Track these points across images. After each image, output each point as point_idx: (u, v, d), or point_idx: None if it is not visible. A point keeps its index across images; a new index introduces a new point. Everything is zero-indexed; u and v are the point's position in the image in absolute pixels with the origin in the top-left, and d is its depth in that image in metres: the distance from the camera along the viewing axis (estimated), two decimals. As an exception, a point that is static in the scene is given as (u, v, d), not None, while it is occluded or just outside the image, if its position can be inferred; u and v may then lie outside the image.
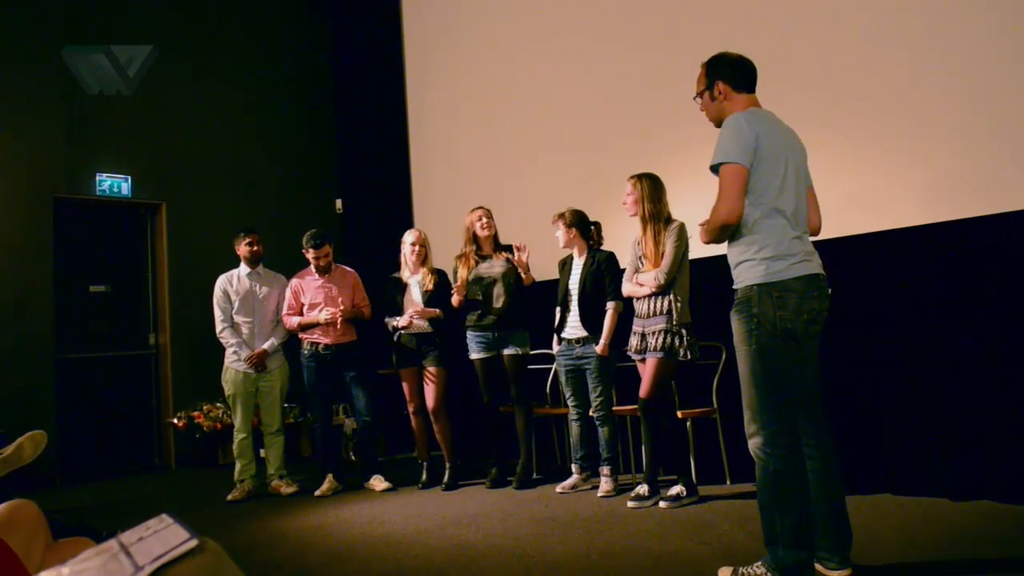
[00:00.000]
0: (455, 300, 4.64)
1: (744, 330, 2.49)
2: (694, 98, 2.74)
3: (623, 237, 4.39)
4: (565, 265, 4.52)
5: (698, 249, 3.89)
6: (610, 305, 4.26)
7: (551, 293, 4.65)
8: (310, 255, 4.88)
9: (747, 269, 2.50)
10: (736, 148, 2.45)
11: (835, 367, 3.84)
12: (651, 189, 3.93)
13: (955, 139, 3.57)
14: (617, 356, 4.43)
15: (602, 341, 4.24)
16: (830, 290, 2.56)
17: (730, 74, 2.62)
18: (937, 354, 3.61)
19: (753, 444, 2.48)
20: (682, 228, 3.88)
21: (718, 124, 2.63)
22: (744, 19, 4.32)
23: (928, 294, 3.65)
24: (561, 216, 4.40)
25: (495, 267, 4.65)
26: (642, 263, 4.00)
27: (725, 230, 2.52)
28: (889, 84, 3.78)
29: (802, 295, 2.44)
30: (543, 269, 4.79)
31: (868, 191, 3.87)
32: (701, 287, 4.05)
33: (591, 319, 4.29)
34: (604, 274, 4.30)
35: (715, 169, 2.50)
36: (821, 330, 2.56)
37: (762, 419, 2.45)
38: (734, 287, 2.57)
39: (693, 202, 3.70)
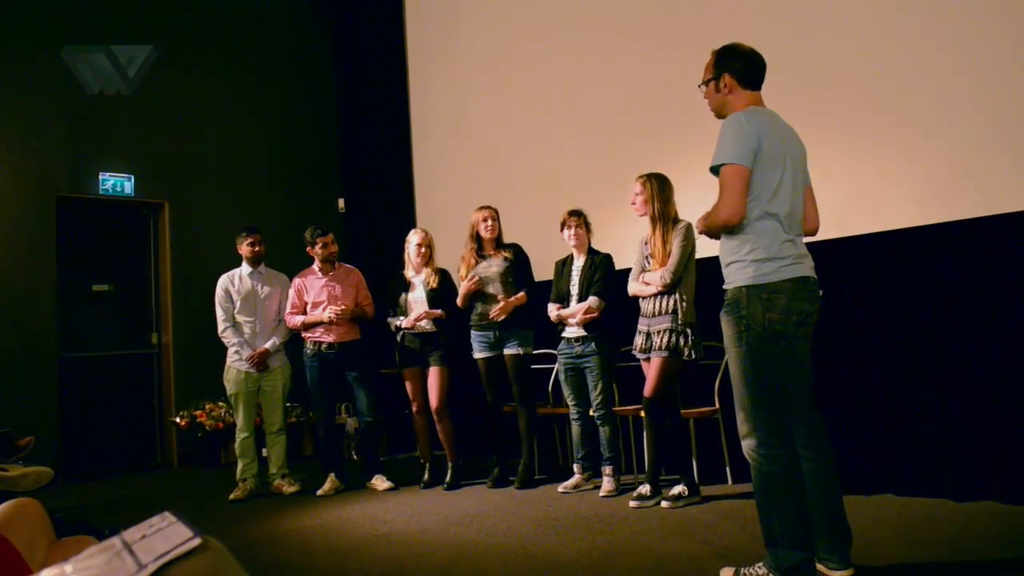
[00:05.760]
0: (461, 298, 4.65)
1: (734, 331, 2.48)
2: (699, 86, 2.69)
3: (629, 237, 4.39)
4: (564, 265, 4.52)
5: (704, 249, 3.89)
6: (592, 298, 4.27)
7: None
8: (319, 246, 4.86)
9: (737, 270, 2.49)
10: (737, 149, 2.43)
11: (836, 367, 3.84)
12: (659, 189, 3.94)
13: (955, 140, 3.57)
14: (618, 355, 4.43)
15: (571, 314, 4.28)
16: (821, 292, 2.55)
17: (739, 68, 2.58)
18: (938, 354, 3.60)
19: (747, 446, 2.48)
20: (689, 228, 3.88)
21: (719, 115, 2.61)
22: (746, 17, 4.31)
23: (928, 294, 3.65)
24: (578, 216, 4.41)
25: (492, 266, 4.65)
26: (649, 262, 4.00)
27: (725, 230, 2.52)
28: (889, 84, 3.77)
29: (791, 297, 2.43)
30: (547, 269, 4.78)
31: (868, 192, 3.86)
32: (706, 287, 4.04)
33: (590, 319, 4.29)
34: (596, 271, 4.32)
35: (715, 170, 2.49)
36: (812, 332, 2.55)
37: (754, 420, 2.45)
38: (724, 287, 2.56)
39: (699, 201, 3.69)
